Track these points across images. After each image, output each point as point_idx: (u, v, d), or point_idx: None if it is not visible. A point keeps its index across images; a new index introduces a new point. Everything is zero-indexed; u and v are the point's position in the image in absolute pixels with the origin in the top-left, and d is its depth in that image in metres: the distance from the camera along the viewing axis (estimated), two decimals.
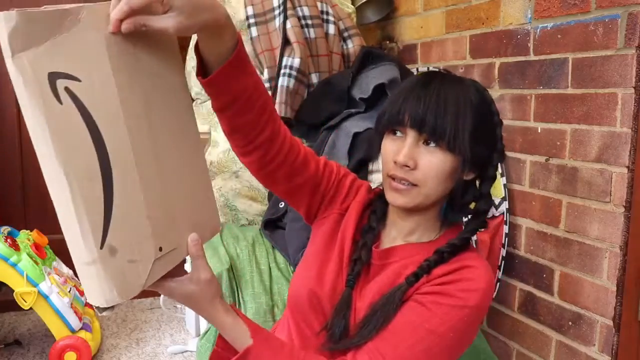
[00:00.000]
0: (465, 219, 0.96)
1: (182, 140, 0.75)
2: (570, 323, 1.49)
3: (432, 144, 0.84)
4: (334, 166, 0.99)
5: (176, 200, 0.73)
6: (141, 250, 0.66)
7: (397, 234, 0.94)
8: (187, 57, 1.88)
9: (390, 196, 0.88)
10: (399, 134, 0.87)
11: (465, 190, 0.90)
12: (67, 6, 0.59)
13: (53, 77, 0.56)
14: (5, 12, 0.53)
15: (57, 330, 1.74)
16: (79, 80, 0.59)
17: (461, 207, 0.92)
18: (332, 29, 1.84)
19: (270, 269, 1.53)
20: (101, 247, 0.61)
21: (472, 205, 0.92)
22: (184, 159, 0.76)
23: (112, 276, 0.62)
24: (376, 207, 0.96)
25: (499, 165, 1.66)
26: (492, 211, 1.69)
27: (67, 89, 0.57)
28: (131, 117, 0.65)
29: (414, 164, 0.84)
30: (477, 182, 0.92)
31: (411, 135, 0.85)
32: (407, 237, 0.93)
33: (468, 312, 0.81)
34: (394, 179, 0.86)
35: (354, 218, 0.96)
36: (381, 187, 0.98)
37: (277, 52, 1.73)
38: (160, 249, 0.69)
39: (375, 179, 1.60)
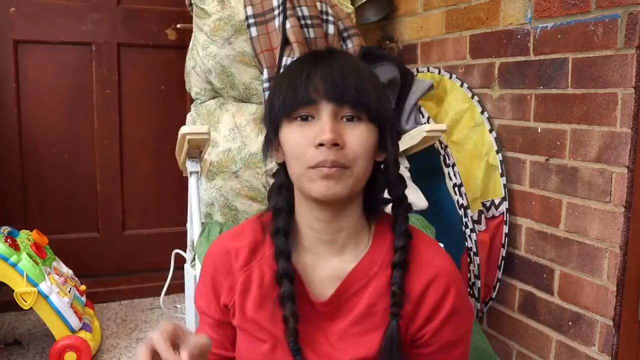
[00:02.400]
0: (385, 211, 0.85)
1: None
2: (570, 323, 1.49)
3: (354, 117, 0.73)
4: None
5: None
6: None
7: (328, 258, 0.79)
8: (187, 57, 1.88)
9: (319, 187, 0.72)
10: (305, 117, 0.73)
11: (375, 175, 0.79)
12: None
13: None
14: None
15: (57, 330, 1.74)
16: None
17: (376, 196, 0.82)
18: (331, 29, 1.83)
19: None
20: None
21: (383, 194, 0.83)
22: None
23: None
24: (280, 245, 0.77)
25: (498, 162, 1.67)
26: (492, 211, 1.69)
27: None
28: None
29: (343, 142, 0.71)
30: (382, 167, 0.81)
31: (327, 110, 0.72)
32: (341, 254, 0.79)
33: (463, 316, 0.79)
34: (322, 166, 0.71)
35: (258, 279, 0.79)
36: (260, 221, 0.83)
37: (277, 52, 1.73)
38: None
39: None
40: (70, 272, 2.02)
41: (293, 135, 0.74)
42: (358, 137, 0.72)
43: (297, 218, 0.81)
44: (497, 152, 1.68)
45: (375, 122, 0.74)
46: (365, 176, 0.75)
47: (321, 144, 0.70)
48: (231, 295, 0.81)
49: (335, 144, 0.70)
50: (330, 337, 0.78)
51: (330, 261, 0.79)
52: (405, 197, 0.81)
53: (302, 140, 0.72)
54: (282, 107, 0.74)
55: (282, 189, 0.81)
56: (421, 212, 1.64)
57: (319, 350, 0.78)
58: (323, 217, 0.77)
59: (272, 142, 0.79)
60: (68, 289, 1.83)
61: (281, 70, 1.70)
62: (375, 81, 0.76)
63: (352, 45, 1.90)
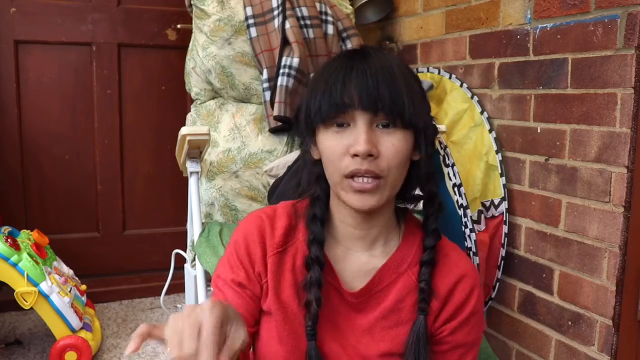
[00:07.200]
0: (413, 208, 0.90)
1: None
2: (569, 323, 1.49)
3: (389, 124, 0.74)
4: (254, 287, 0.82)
5: None
6: None
7: (358, 252, 0.82)
8: (187, 58, 1.88)
9: (354, 200, 0.75)
10: (341, 123, 0.75)
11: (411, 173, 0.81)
12: None
13: None
14: None
15: (58, 330, 1.74)
16: None
17: (408, 193, 0.84)
18: (330, 30, 1.84)
19: None
20: None
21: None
22: None
23: None
24: (315, 231, 0.80)
25: (498, 162, 1.67)
26: (492, 211, 1.69)
27: None
28: None
29: (377, 152, 0.73)
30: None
31: (363, 118, 0.73)
32: (371, 250, 0.82)
33: (479, 319, 0.83)
34: (356, 176, 0.73)
35: (290, 263, 0.81)
36: (295, 204, 0.85)
37: (277, 52, 1.73)
38: None
39: None
40: (71, 271, 2.02)
41: (329, 141, 0.75)
42: (393, 146, 0.74)
43: (331, 210, 0.83)
44: (497, 152, 1.68)
45: (410, 128, 0.75)
46: (400, 181, 0.77)
47: (356, 155, 0.72)
48: (264, 268, 0.80)
49: (370, 155, 0.72)
50: (357, 330, 0.80)
51: (360, 255, 0.82)
52: (437, 196, 0.83)
53: (338, 147, 0.74)
54: (318, 113, 0.75)
55: (320, 179, 0.82)
56: (420, 212, 1.65)
57: (345, 343, 0.80)
58: (356, 215, 0.80)
59: (309, 141, 0.81)
60: (68, 289, 1.83)
61: (280, 70, 1.70)
62: (410, 85, 0.76)
63: (351, 46, 1.90)
